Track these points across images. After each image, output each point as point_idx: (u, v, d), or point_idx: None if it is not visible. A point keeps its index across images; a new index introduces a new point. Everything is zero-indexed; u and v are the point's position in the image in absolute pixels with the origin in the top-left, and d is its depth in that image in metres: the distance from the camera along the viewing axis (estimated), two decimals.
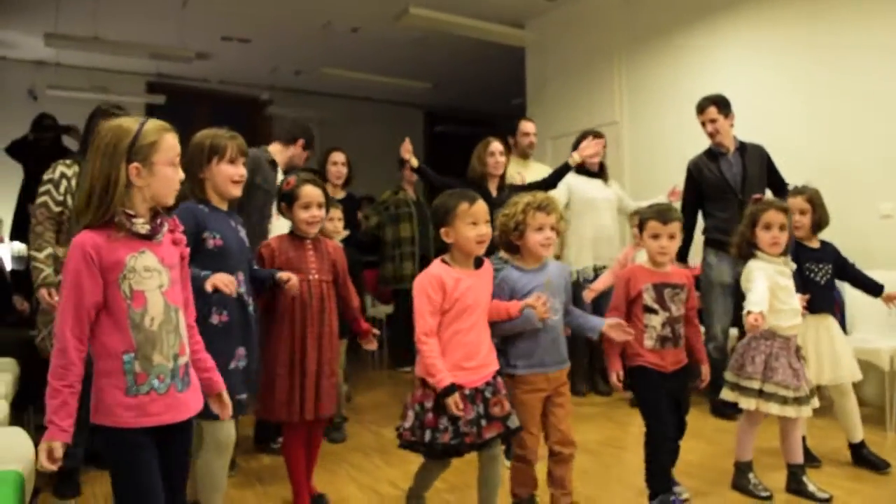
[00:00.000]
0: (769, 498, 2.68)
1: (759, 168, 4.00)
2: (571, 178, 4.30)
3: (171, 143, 1.60)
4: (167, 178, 1.59)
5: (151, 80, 8.07)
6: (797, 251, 2.94)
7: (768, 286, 2.54)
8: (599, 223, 4.57)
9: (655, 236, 2.51)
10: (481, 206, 2.26)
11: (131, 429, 1.50)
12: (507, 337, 2.37)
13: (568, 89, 6.37)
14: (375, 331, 2.72)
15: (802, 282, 2.91)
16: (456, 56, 7.48)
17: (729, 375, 2.72)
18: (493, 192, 3.76)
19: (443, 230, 2.27)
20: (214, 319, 2.14)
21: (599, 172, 4.69)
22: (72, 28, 5.99)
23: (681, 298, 2.53)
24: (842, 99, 4.34)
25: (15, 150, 5.70)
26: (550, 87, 6.56)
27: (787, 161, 4.15)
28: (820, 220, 3.02)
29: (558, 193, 4.22)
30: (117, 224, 1.53)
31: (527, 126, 4.75)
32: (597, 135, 4.42)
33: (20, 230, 5.58)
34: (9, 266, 5.61)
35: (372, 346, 2.73)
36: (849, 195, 4.09)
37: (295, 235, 2.59)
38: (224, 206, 2.32)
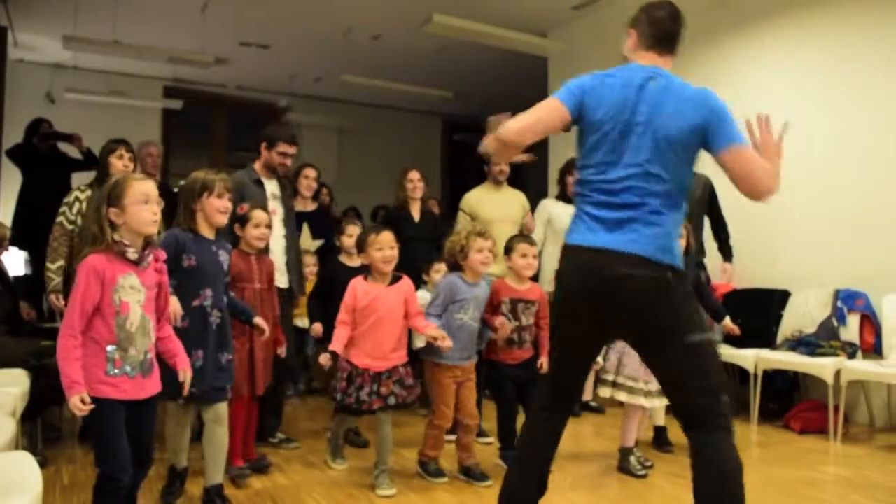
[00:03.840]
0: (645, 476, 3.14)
1: (699, 194, 4.12)
2: (553, 206, 4.62)
3: (138, 188, 2.10)
4: (138, 213, 2.09)
5: (169, 84, 8.02)
6: None
7: None
8: None
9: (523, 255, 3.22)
10: (386, 235, 2.96)
11: (107, 399, 2.03)
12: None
13: None
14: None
15: None
16: (477, 65, 7.38)
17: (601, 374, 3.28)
18: (416, 216, 4.39)
19: (361, 255, 3.02)
20: (178, 324, 2.57)
21: None
22: (91, 31, 5.92)
23: (531, 312, 3.25)
24: (874, 124, 4.21)
25: (13, 154, 5.59)
26: None
27: (818, 180, 4.25)
28: (687, 246, 3.20)
29: (539, 220, 4.63)
30: (115, 250, 2.07)
31: None
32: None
33: (18, 235, 5.41)
34: (19, 272, 5.50)
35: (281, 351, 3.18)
36: (888, 215, 3.96)
37: (242, 251, 3.08)
38: (211, 235, 2.74)
